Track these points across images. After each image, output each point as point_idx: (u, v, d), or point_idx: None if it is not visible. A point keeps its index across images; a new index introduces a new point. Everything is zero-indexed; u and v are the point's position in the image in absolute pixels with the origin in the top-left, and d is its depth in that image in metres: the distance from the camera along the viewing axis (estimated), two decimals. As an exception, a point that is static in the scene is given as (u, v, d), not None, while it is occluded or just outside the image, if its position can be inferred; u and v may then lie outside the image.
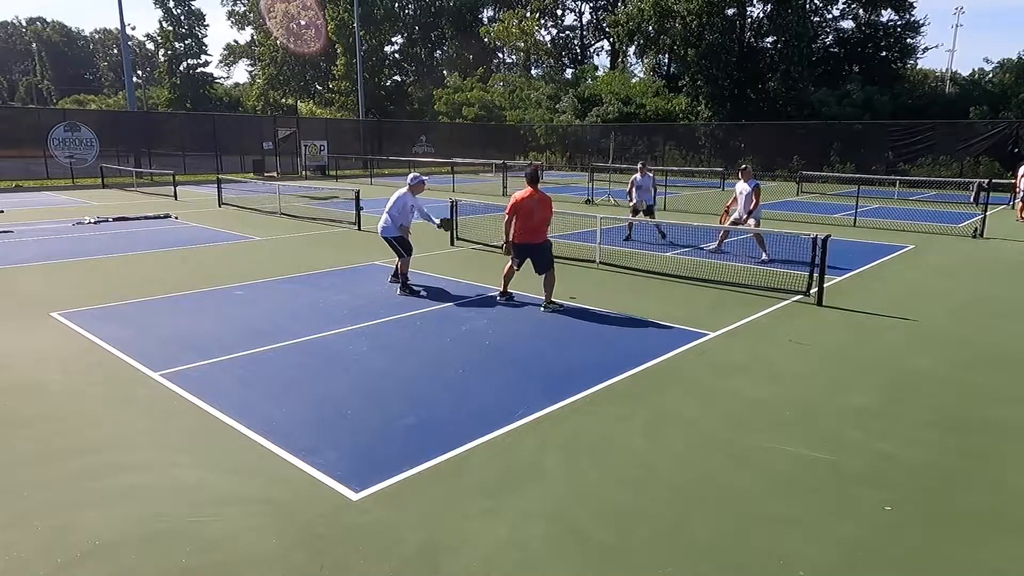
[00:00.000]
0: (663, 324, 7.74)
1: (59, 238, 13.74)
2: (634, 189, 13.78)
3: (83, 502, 3.94)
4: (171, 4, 51.78)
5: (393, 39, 59.55)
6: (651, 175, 14.05)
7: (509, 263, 8.53)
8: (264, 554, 3.48)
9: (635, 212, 13.88)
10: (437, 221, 9.84)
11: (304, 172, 33.40)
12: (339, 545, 3.56)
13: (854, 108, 35.00)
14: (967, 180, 23.51)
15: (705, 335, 7.29)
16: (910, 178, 26.62)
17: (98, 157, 28.46)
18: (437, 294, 9.04)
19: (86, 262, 11.30)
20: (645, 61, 48.55)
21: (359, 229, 14.83)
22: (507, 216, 8.24)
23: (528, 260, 8.36)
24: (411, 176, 9.37)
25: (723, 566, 3.42)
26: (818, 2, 40.73)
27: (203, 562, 3.41)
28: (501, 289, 8.74)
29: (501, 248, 8.61)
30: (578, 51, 61.42)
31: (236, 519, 3.78)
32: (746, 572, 3.38)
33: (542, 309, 8.21)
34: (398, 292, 9.01)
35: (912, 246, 13.48)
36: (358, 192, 15.70)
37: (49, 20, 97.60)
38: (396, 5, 57.25)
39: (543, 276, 8.31)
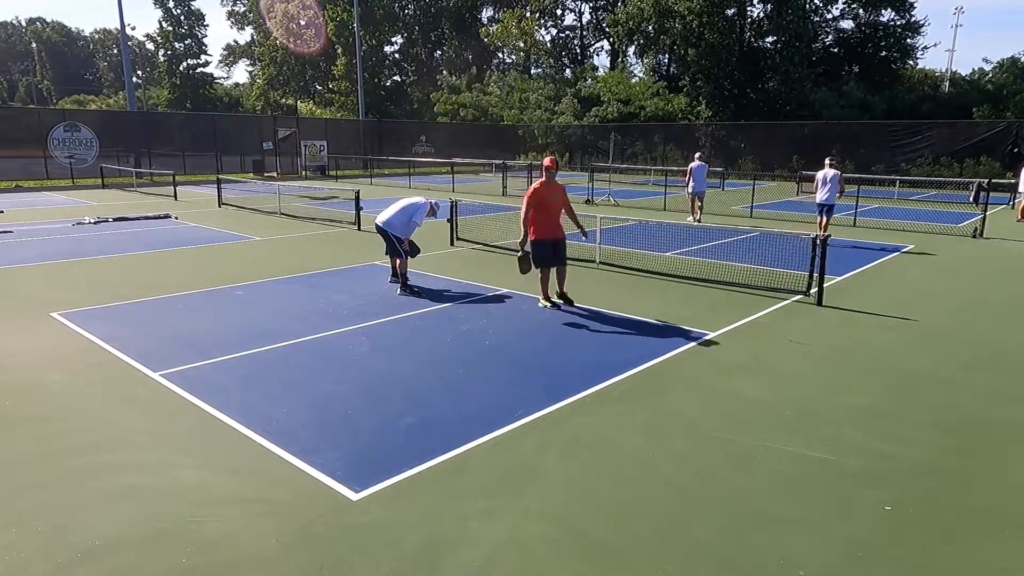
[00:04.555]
0: (663, 324, 7.74)
1: (59, 238, 13.74)
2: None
3: (83, 502, 3.94)
4: (171, 4, 51.83)
5: (393, 39, 59.59)
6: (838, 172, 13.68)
7: (541, 271, 8.18)
8: (264, 554, 3.47)
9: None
10: (408, 240, 9.21)
11: (304, 172, 33.41)
12: (339, 545, 3.56)
13: (853, 108, 35.02)
14: (967, 180, 23.52)
15: (705, 335, 7.29)
16: (910, 178, 26.63)
17: (98, 157, 28.47)
18: (437, 294, 9.04)
19: (86, 262, 11.30)
20: (645, 61, 48.56)
21: (359, 229, 14.83)
22: (524, 209, 7.95)
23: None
24: (439, 204, 9.84)
25: (723, 566, 3.42)
26: (818, 2, 40.76)
27: (203, 562, 3.40)
28: (543, 295, 8.33)
29: (517, 253, 8.27)
30: (578, 51, 61.47)
31: (236, 519, 3.78)
32: (746, 572, 3.38)
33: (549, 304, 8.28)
34: (398, 292, 9.01)
35: (912, 246, 13.48)
36: (358, 192, 15.70)
37: (49, 20, 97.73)
38: (396, 5, 57.28)
39: (557, 269, 8.24)
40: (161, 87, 58.98)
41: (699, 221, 16.04)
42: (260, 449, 4.59)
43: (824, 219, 13.59)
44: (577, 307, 8.35)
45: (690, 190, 16.66)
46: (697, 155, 17.24)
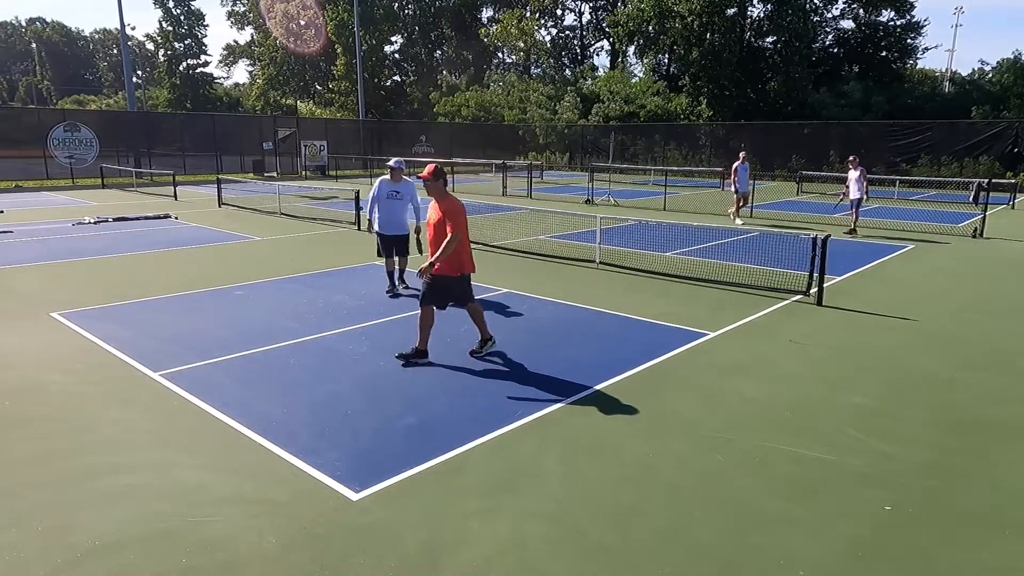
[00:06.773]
0: (663, 324, 7.74)
1: (59, 238, 13.74)
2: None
3: (83, 502, 3.94)
4: (171, 4, 51.79)
5: (393, 39, 59.56)
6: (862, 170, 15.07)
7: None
8: (264, 554, 3.47)
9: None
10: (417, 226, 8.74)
11: (304, 172, 33.39)
12: (339, 545, 3.55)
13: (854, 108, 35.03)
14: (967, 180, 23.54)
15: (705, 335, 7.29)
16: (910, 178, 26.64)
17: (98, 157, 28.46)
18: (437, 294, 9.03)
19: (86, 262, 11.30)
20: (645, 61, 48.55)
21: (359, 229, 14.83)
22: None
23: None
24: (397, 162, 8.87)
25: (723, 566, 3.42)
26: (818, 2, 40.77)
27: (203, 562, 3.40)
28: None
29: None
30: (578, 51, 61.43)
31: (236, 519, 3.78)
32: (746, 572, 3.38)
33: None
34: (402, 289, 9.04)
35: (912, 246, 13.48)
36: (358, 192, 15.69)
37: (49, 20, 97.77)
38: (396, 5, 57.24)
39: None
40: (161, 87, 58.88)
41: (740, 223, 16.16)
42: (260, 449, 4.59)
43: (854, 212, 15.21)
44: (577, 307, 8.32)
45: (735, 189, 16.96)
46: (742, 154, 17.38)
